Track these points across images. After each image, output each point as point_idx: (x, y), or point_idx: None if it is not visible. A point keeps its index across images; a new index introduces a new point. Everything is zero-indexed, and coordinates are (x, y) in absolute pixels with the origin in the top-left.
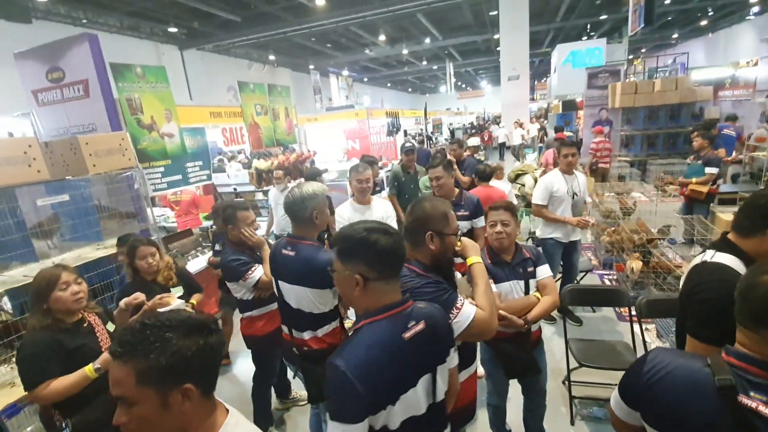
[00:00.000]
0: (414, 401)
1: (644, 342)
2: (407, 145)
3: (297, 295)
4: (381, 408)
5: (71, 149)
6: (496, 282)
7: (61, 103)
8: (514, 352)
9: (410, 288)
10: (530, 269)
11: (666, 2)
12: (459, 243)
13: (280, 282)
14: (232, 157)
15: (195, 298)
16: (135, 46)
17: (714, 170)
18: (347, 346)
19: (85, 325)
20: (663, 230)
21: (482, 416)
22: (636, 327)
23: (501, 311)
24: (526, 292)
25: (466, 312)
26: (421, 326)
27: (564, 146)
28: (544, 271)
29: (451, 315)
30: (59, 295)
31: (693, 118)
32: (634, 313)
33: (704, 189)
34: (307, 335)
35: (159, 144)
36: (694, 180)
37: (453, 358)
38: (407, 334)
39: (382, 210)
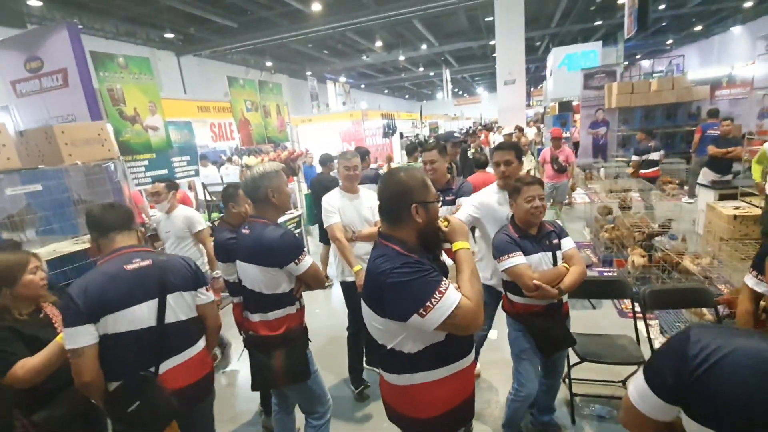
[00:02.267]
0: (139, 317)
1: (649, 338)
2: (456, 135)
3: (247, 274)
4: (101, 316)
5: (46, 138)
6: (525, 254)
7: (39, 94)
8: (548, 325)
9: (384, 270)
10: (555, 241)
11: (660, 7)
12: (445, 223)
13: (237, 261)
14: (229, 159)
15: None
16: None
17: (636, 157)
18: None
19: (41, 315)
20: (664, 224)
21: (485, 414)
22: (640, 323)
23: (535, 281)
24: (554, 263)
25: (450, 298)
26: (147, 263)
27: (498, 150)
28: (568, 243)
29: (432, 300)
30: (30, 278)
31: (690, 118)
32: (637, 309)
33: (631, 171)
34: (256, 317)
35: (142, 137)
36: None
37: (204, 295)
38: (129, 266)
39: (370, 199)
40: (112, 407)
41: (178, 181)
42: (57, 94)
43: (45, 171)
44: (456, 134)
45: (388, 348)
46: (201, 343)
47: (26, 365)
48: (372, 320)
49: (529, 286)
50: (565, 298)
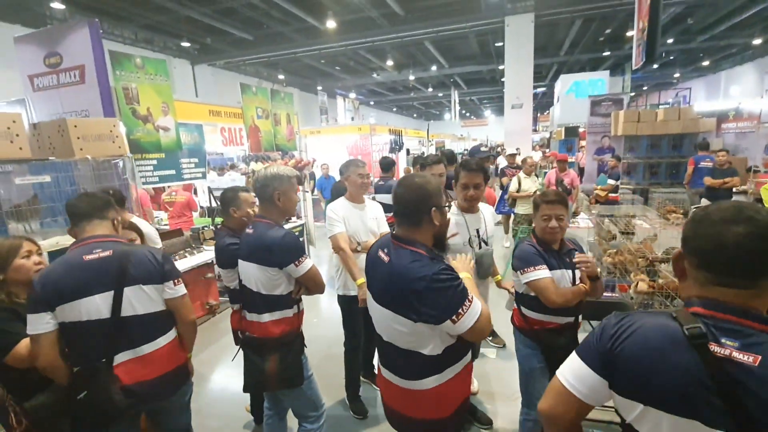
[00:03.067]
0: (92, 308)
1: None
2: (483, 149)
3: (247, 273)
4: (55, 305)
5: (59, 131)
6: (550, 269)
7: (56, 89)
8: (567, 343)
9: (423, 275)
10: (576, 259)
11: (669, 41)
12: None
13: (239, 261)
14: (232, 165)
15: None
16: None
17: (613, 181)
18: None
19: None
20: (668, 251)
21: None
22: None
23: (582, 285)
24: (574, 280)
25: (476, 306)
26: (107, 253)
27: (464, 170)
28: None
29: (463, 307)
30: (21, 262)
31: (696, 149)
32: None
33: (603, 194)
34: (251, 317)
35: (153, 136)
36: (599, 187)
37: (171, 290)
38: (88, 257)
39: (376, 210)
40: (67, 393)
41: (188, 183)
42: (73, 89)
43: (55, 163)
44: (483, 148)
45: (408, 351)
46: (163, 340)
47: (29, 345)
48: (394, 324)
49: (554, 301)
50: (579, 317)
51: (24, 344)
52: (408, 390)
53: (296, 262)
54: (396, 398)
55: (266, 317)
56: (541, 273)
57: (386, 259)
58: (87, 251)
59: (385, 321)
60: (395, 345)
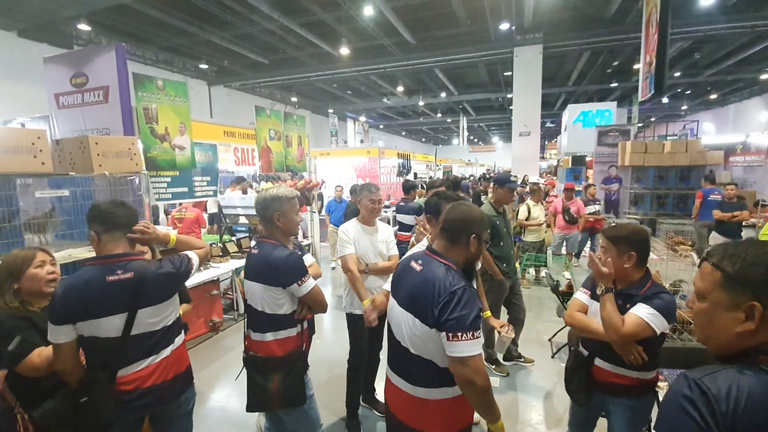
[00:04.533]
0: (109, 327)
1: (657, 399)
2: (504, 172)
3: (252, 292)
4: (76, 320)
5: (80, 147)
6: (592, 297)
7: (80, 107)
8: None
9: (458, 286)
10: (627, 305)
11: (676, 75)
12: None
13: (244, 280)
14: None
15: (182, 309)
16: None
17: (590, 208)
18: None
19: None
20: (675, 284)
21: None
22: None
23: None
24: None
25: (477, 345)
26: (127, 276)
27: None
28: (637, 309)
29: (472, 333)
30: (35, 272)
31: (705, 181)
32: None
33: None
34: (255, 336)
35: (169, 154)
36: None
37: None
38: (111, 278)
39: (386, 234)
40: (74, 400)
41: (195, 198)
42: (96, 108)
43: (74, 178)
44: (512, 176)
45: (423, 359)
46: (167, 351)
47: (43, 353)
48: (415, 330)
49: (567, 315)
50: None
51: (36, 353)
52: (417, 398)
53: (299, 282)
54: (403, 407)
55: (270, 336)
56: (577, 294)
57: (419, 268)
58: (110, 272)
59: (406, 325)
60: (411, 351)
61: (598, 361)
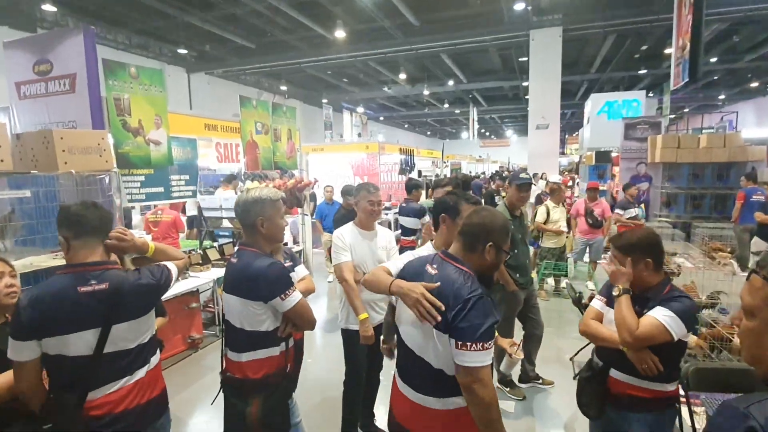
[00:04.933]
0: (80, 343)
1: (693, 427)
2: (523, 175)
3: (230, 306)
4: (42, 336)
5: (44, 142)
6: (608, 304)
7: (43, 98)
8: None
9: (477, 293)
10: (644, 310)
11: (712, 60)
12: None
13: (223, 293)
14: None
15: (157, 323)
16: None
17: (631, 212)
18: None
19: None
20: (713, 295)
21: None
22: (683, 409)
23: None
24: None
25: (488, 356)
26: (102, 287)
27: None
28: (655, 312)
29: (489, 343)
30: None
31: (745, 180)
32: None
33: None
34: (232, 355)
35: (143, 150)
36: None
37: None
38: (83, 288)
39: (386, 239)
40: (38, 420)
41: (172, 200)
42: (62, 99)
43: (36, 177)
44: (523, 174)
45: (434, 368)
46: (142, 372)
47: (6, 374)
48: (426, 335)
49: (581, 322)
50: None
51: None
52: (425, 408)
53: (282, 295)
54: (410, 416)
55: (247, 356)
56: (593, 302)
57: (434, 272)
58: (82, 282)
59: (418, 332)
60: (424, 359)
61: (614, 373)
